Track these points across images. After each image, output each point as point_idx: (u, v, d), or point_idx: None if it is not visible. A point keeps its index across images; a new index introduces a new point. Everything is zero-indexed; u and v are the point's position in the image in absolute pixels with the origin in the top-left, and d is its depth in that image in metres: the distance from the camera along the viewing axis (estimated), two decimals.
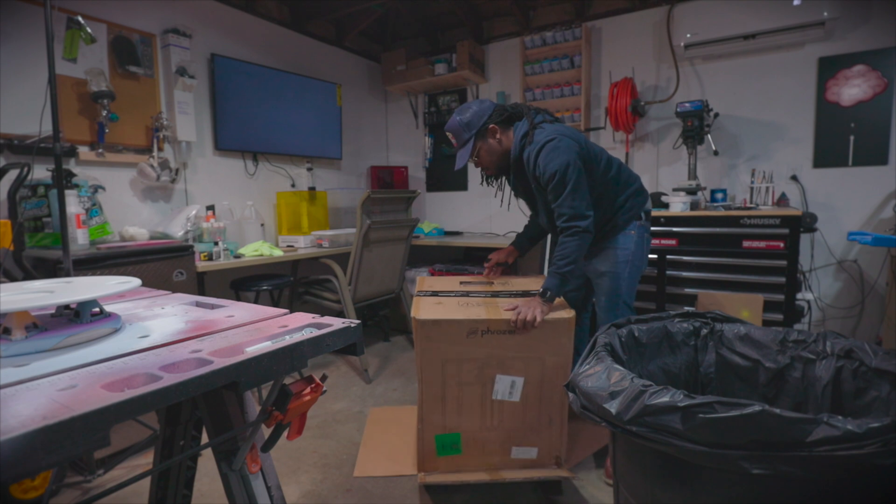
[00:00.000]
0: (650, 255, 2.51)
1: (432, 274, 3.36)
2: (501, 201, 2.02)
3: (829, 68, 2.75)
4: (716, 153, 2.83)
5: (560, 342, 1.59)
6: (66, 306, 0.79)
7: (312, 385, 0.79)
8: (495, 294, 1.80)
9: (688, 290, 2.55)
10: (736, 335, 1.30)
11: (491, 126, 1.73)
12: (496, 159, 1.78)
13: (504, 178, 1.90)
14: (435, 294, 1.80)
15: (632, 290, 1.82)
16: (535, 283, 1.91)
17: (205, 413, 0.85)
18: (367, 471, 1.81)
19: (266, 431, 0.81)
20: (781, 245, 2.31)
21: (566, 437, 1.72)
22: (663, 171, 3.28)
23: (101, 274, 1.85)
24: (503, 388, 1.64)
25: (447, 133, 1.80)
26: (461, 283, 1.97)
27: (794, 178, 2.88)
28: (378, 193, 2.69)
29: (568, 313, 1.60)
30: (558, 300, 1.67)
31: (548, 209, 1.79)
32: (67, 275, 1.51)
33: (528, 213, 2.08)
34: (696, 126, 2.71)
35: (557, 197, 1.64)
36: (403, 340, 3.46)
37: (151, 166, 2.53)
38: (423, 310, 1.60)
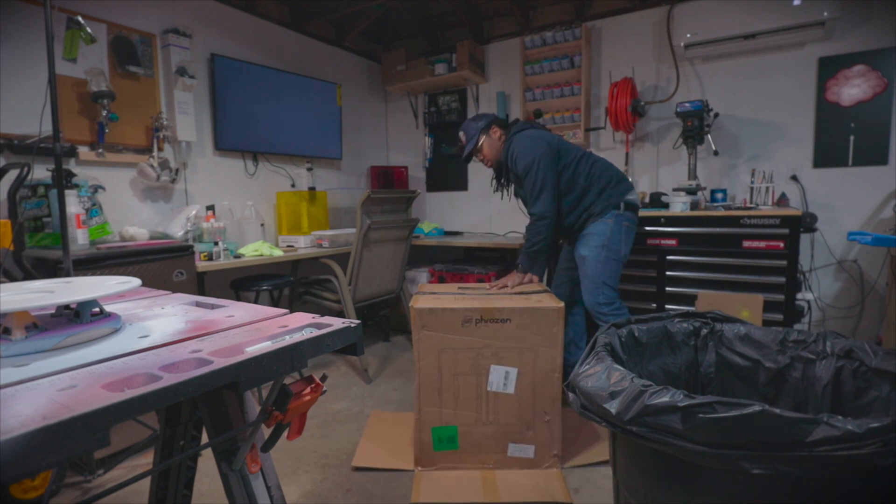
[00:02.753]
0: (649, 256, 2.57)
1: (432, 274, 3.36)
2: (502, 196, 2.42)
3: (829, 68, 2.75)
4: (716, 153, 2.83)
5: (551, 332, 1.67)
6: (66, 306, 0.79)
7: (312, 385, 0.78)
8: (489, 294, 1.95)
9: (688, 290, 2.55)
10: (736, 335, 1.30)
11: (493, 126, 2.15)
12: (494, 153, 2.15)
13: (506, 179, 2.26)
14: (433, 293, 1.95)
15: (611, 273, 2.05)
16: (530, 287, 2.05)
17: (205, 413, 0.85)
18: (365, 461, 1.81)
19: (266, 431, 0.81)
20: (781, 245, 2.31)
21: (561, 432, 1.73)
22: (663, 171, 3.28)
23: (101, 274, 1.85)
24: (497, 378, 1.69)
25: (460, 132, 2.20)
26: (459, 287, 2.09)
27: (794, 178, 2.88)
28: (378, 193, 2.69)
29: (557, 303, 1.69)
30: (549, 295, 1.85)
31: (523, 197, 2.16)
32: (67, 275, 1.51)
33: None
34: (696, 126, 2.71)
35: (529, 193, 2.02)
36: (403, 340, 3.46)
37: (151, 166, 2.53)
38: (420, 301, 1.75)
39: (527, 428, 1.73)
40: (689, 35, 2.91)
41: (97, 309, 0.79)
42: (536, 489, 1.66)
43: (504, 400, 1.71)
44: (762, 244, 2.36)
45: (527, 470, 1.75)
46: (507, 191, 2.30)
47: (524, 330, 1.67)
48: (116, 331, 0.77)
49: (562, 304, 1.69)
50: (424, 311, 1.69)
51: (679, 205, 2.59)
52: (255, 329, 0.77)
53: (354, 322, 0.79)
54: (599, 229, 2.04)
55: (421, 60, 3.80)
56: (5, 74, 2.11)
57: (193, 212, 2.55)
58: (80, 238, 2.05)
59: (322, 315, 0.84)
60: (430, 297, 1.84)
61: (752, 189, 2.69)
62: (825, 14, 2.56)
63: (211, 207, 2.71)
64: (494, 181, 2.31)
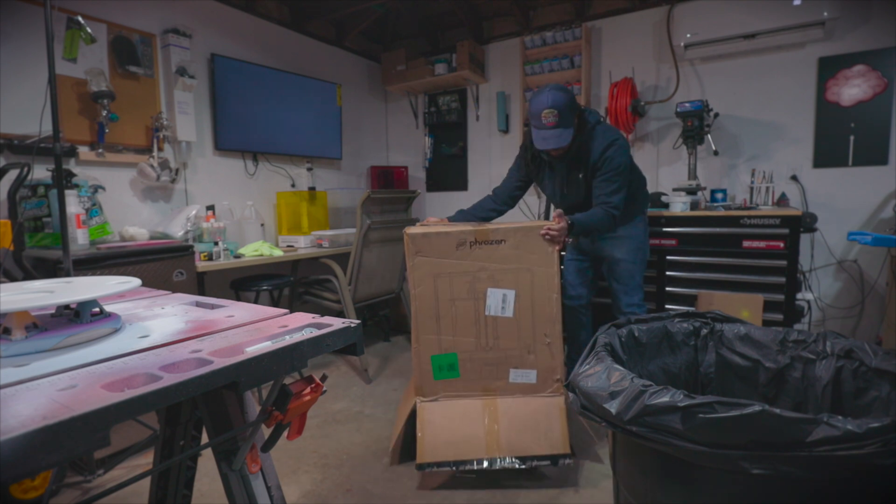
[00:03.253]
0: (651, 256, 2.57)
1: None
2: (541, 179, 2.12)
3: (829, 68, 2.75)
4: (716, 153, 2.83)
5: (546, 251, 1.66)
6: (66, 306, 0.79)
7: (312, 385, 0.78)
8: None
9: (688, 290, 2.55)
10: (736, 335, 1.30)
11: (579, 112, 1.89)
12: (573, 143, 1.89)
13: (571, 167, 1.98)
14: (423, 225, 1.86)
15: (643, 274, 2.12)
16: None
17: (205, 413, 0.85)
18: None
19: (266, 431, 0.81)
20: (781, 245, 2.31)
21: (562, 356, 1.71)
22: (663, 171, 3.28)
23: (101, 274, 1.85)
24: (495, 302, 1.67)
25: (549, 109, 1.81)
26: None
27: (794, 178, 2.88)
28: (378, 193, 2.69)
29: (544, 222, 1.70)
30: (539, 220, 1.76)
31: (575, 189, 1.98)
32: (67, 275, 1.51)
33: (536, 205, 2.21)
34: (696, 126, 2.71)
35: (610, 185, 1.89)
36: (403, 340, 3.46)
37: (151, 166, 2.53)
38: (412, 229, 1.71)
39: (528, 352, 1.70)
40: (689, 35, 2.91)
41: (97, 309, 0.79)
42: (537, 426, 1.65)
43: (503, 324, 1.69)
44: (762, 244, 2.36)
45: (529, 397, 1.72)
46: (555, 180, 2.04)
47: (519, 250, 1.65)
48: (116, 331, 0.77)
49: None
50: (417, 237, 1.66)
51: (679, 205, 2.59)
52: (255, 329, 0.77)
53: (354, 322, 0.79)
54: (633, 233, 2.08)
55: (421, 60, 3.80)
56: (5, 74, 2.11)
57: (193, 212, 2.55)
58: (80, 238, 2.05)
59: (322, 315, 0.84)
60: (421, 227, 1.77)
61: (752, 189, 2.69)
62: (825, 14, 2.56)
63: (211, 207, 2.71)
64: (545, 168, 2.04)
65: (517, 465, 1.63)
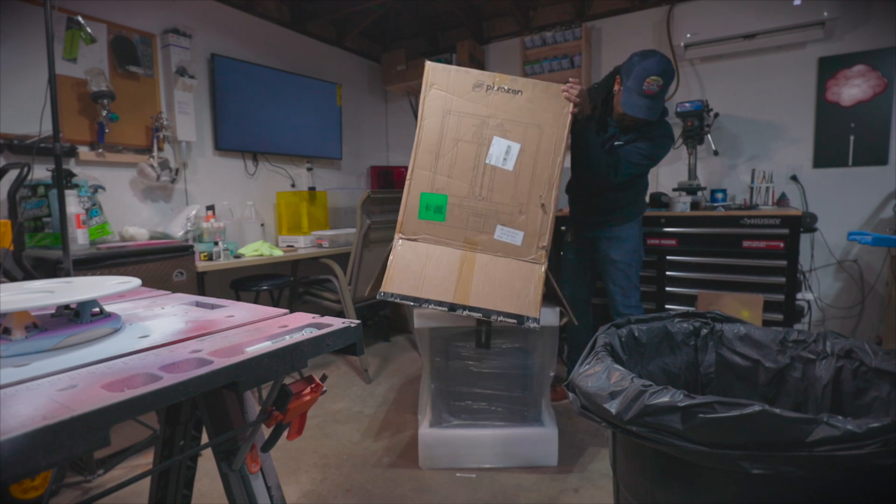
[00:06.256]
0: (650, 256, 2.58)
1: None
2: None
3: (829, 68, 2.75)
4: (716, 153, 2.83)
5: (561, 111, 1.64)
6: (66, 306, 0.79)
7: (312, 385, 0.78)
8: None
9: (688, 290, 2.55)
10: (736, 335, 1.30)
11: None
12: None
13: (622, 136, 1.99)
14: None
15: (639, 275, 2.15)
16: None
17: (205, 413, 0.85)
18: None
19: (266, 431, 0.81)
20: (781, 245, 2.31)
21: (553, 224, 1.65)
22: (663, 171, 3.28)
23: (101, 274, 1.85)
24: (498, 151, 1.65)
25: (658, 77, 1.77)
26: None
27: (794, 178, 2.88)
28: (378, 193, 2.69)
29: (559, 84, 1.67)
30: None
31: (599, 157, 1.93)
32: (67, 275, 1.51)
33: None
34: (696, 126, 2.71)
35: (637, 157, 1.90)
36: (403, 340, 3.46)
37: (151, 166, 2.53)
38: (435, 63, 1.68)
39: (519, 212, 1.65)
40: (689, 35, 2.91)
41: (97, 309, 0.79)
42: (511, 286, 1.59)
43: (501, 176, 1.65)
44: (762, 244, 2.36)
45: (511, 258, 1.66)
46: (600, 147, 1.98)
47: (533, 104, 1.64)
48: (116, 331, 0.77)
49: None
50: (437, 68, 1.65)
51: (679, 205, 2.59)
52: (255, 329, 0.77)
53: (354, 322, 0.79)
54: (630, 234, 2.09)
55: (421, 60, 3.79)
56: (5, 74, 2.11)
57: (193, 212, 2.55)
58: (80, 238, 2.05)
59: (322, 315, 0.84)
60: None
61: (752, 189, 2.69)
62: (825, 14, 2.56)
63: (211, 207, 2.71)
64: (599, 134, 2.00)
65: (479, 316, 1.57)
